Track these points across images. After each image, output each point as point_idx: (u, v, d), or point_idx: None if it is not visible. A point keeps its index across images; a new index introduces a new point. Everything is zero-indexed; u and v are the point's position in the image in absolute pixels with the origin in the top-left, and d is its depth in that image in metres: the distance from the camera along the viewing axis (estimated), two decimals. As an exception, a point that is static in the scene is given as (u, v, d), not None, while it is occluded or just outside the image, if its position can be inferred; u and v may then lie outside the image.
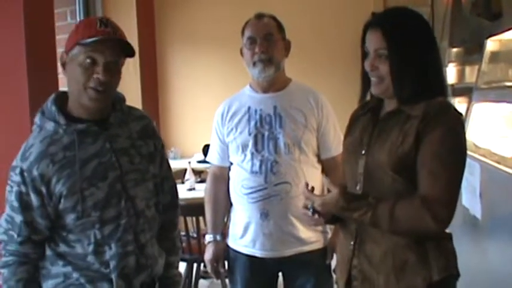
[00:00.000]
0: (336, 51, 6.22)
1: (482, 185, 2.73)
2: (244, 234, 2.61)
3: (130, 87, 3.68)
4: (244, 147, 2.57)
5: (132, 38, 3.57)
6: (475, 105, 3.22)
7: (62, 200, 1.81)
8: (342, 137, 2.12)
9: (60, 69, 1.96)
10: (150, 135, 2.05)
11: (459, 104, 3.58)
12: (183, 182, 5.21)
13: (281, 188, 2.51)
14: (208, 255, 2.71)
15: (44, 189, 1.81)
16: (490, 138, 2.99)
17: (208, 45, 6.54)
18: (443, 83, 1.88)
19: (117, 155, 1.89)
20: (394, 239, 1.80)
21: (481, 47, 3.31)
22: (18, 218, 1.83)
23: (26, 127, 1.96)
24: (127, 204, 1.89)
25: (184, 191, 4.91)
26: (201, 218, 3.74)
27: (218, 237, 2.71)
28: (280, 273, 2.69)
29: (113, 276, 1.88)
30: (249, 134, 2.56)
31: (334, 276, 2.63)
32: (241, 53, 2.63)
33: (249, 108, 2.59)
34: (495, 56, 3.22)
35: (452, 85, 3.90)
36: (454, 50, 4.07)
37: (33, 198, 1.81)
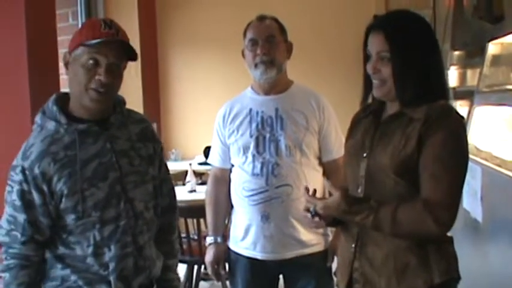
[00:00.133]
0: (337, 54, 6.22)
1: (484, 188, 2.73)
2: (245, 237, 2.60)
3: (131, 89, 3.68)
4: (245, 149, 2.56)
5: (134, 39, 3.55)
6: (476, 108, 3.22)
7: (63, 200, 1.82)
8: (344, 140, 2.12)
9: (61, 70, 1.96)
10: (149, 138, 2.05)
11: (461, 107, 3.58)
12: (184, 184, 5.21)
13: (282, 190, 2.51)
14: (209, 257, 2.71)
15: (45, 188, 1.81)
16: (492, 141, 2.99)
17: (209, 47, 6.54)
18: (445, 86, 1.88)
19: (117, 156, 1.90)
20: (396, 242, 1.80)
21: (482, 50, 3.31)
22: (22, 217, 1.83)
23: (27, 128, 1.96)
24: (126, 206, 1.90)
25: (185, 193, 4.91)
26: (201, 220, 3.74)
27: (219, 239, 2.71)
28: (281, 276, 2.69)
29: (112, 278, 1.88)
30: (251, 136, 2.55)
31: (335, 279, 2.62)
32: (243, 55, 2.63)
33: (250, 110, 2.59)
34: (497, 59, 3.22)
35: (453, 88, 3.90)
36: (456, 53, 4.07)
37: (36, 197, 1.81)
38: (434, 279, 1.77)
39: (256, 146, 2.54)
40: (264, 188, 2.52)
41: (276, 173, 2.51)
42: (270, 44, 2.53)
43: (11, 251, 1.85)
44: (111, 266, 1.88)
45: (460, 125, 1.79)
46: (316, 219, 1.89)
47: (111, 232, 1.87)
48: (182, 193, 4.92)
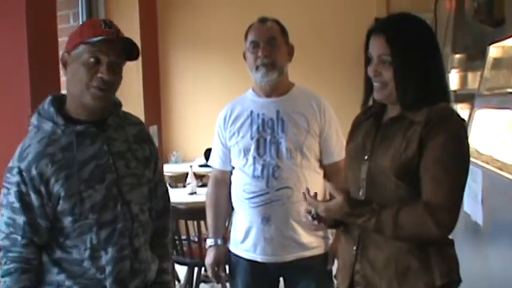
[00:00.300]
0: (338, 56, 6.23)
1: (484, 191, 2.73)
2: (245, 239, 2.60)
3: (132, 90, 3.68)
4: (246, 151, 2.56)
5: (135, 41, 3.57)
6: (477, 111, 3.22)
7: (61, 202, 1.80)
8: (345, 142, 2.12)
9: (63, 71, 1.95)
10: (145, 140, 2.05)
11: (461, 110, 3.58)
12: (184, 186, 5.22)
13: (283, 193, 2.51)
14: (209, 259, 2.70)
15: (43, 189, 1.79)
16: (492, 144, 2.99)
17: (210, 48, 6.55)
18: (446, 89, 1.88)
19: (114, 158, 1.89)
20: (397, 245, 1.80)
21: (483, 53, 3.31)
22: (21, 219, 1.80)
23: (28, 130, 1.95)
24: (123, 209, 1.89)
25: (185, 195, 4.92)
26: (202, 222, 3.73)
27: (219, 241, 2.70)
28: (281, 278, 2.69)
29: (108, 281, 1.86)
30: (251, 138, 2.55)
31: (335, 282, 2.62)
32: (244, 57, 2.63)
33: (251, 112, 2.59)
34: (497, 63, 3.22)
35: (454, 91, 3.90)
36: (457, 56, 4.07)
37: (34, 198, 1.80)
38: (436, 281, 1.77)
39: (257, 148, 2.54)
40: (265, 190, 2.52)
41: (277, 176, 2.51)
42: (271, 46, 2.53)
43: (10, 254, 1.82)
44: (108, 269, 1.86)
45: (461, 128, 1.79)
46: (315, 222, 1.89)
47: (108, 235, 1.86)
48: (182, 195, 4.93)
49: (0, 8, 2.37)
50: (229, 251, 2.71)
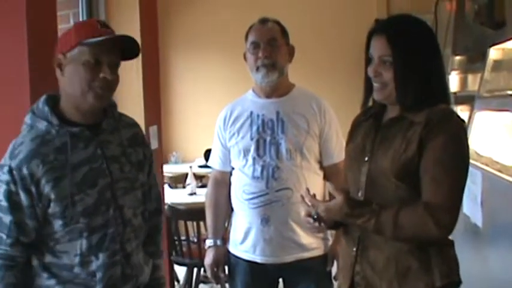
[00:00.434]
0: (338, 57, 6.24)
1: (484, 193, 2.73)
2: (245, 240, 2.60)
3: (132, 90, 3.67)
4: (246, 152, 2.56)
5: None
6: (477, 113, 3.22)
7: (52, 204, 1.77)
8: (344, 144, 2.12)
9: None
10: (139, 143, 2.04)
11: (461, 112, 3.58)
12: (184, 187, 5.22)
13: (282, 194, 2.51)
14: (208, 259, 2.70)
15: (33, 189, 1.76)
16: (492, 146, 2.99)
17: (211, 49, 6.56)
18: (446, 91, 1.89)
19: (108, 162, 1.87)
20: (397, 245, 1.80)
21: (483, 55, 3.31)
22: (8, 219, 1.77)
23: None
24: (115, 213, 1.87)
25: (185, 196, 4.93)
26: (201, 223, 3.74)
27: (218, 242, 2.70)
28: (280, 279, 2.69)
29: (98, 287, 1.85)
30: (251, 139, 2.55)
31: (334, 283, 2.62)
32: (245, 58, 2.63)
33: (251, 113, 2.59)
34: (498, 65, 3.22)
35: (454, 93, 3.90)
36: (457, 58, 4.07)
37: (23, 198, 1.76)
38: (436, 282, 1.78)
39: (257, 149, 2.54)
40: (264, 191, 2.52)
41: (277, 176, 2.51)
42: (271, 47, 2.53)
43: None
44: (99, 275, 1.84)
45: (460, 129, 1.79)
46: (316, 224, 1.89)
47: (99, 240, 1.84)
48: (182, 196, 4.94)
49: (0, 8, 2.37)
50: (228, 251, 2.71)
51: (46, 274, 1.85)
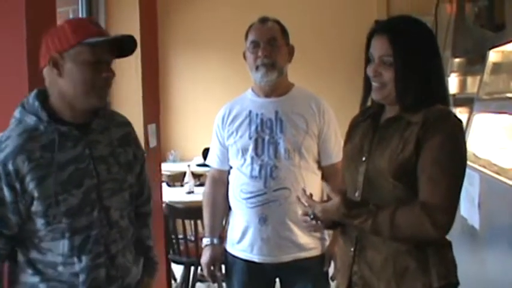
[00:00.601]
0: (338, 57, 6.24)
1: (481, 196, 2.73)
2: (242, 239, 2.60)
3: (131, 88, 3.67)
4: (244, 151, 2.56)
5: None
6: (476, 115, 3.23)
7: (35, 202, 1.76)
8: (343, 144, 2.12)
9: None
10: (130, 143, 2.03)
11: (460, 114, 3.58)
12: (182, 185, 5.22)
13: (280, 193, 2.51)
14: (205, 258, 2.70)
15: (18, 185, 1.74)
16: (490, 149, 3.00)
17: (210, 48, 6.56)
18: (445, 92, 1.89)
19: (95, 162, 1.86)
20: (395, 246, 1.80)
21: (483, 57, 3.32)
22: None
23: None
24: (100, 215, 1.85)
25: (183, 194, 4.92)
26: (199, 222, 3.73)
27: (215, 241, 2.70)
28: (277, 279, 2.68)
29: None
30: (250, 138, 2.55)
31: (331, 283, 2.62)
32: (244, 57, 2.62)
33: (250, 112, 2.59)
34: (497, 67, 3.23)
35: (453, 95, 3.91)
36: (457, 60, 4.08)
37: (7, 193, 1.75)
38: (433, 283, 1.78)
39: (255, 148, 2.54)
40: (262, 190, 2.52)
41: (275, 176, 2.51)
42: (271, 46, 2.53)
43: None
44: (82, 277, 1.83)
45: (458, 128, 1.80)
46: (314, 222, 1.90)
47: (82, 242, 1.83)
48: (180, 194, 4.93)
49: (-1, 5, 2.37)
50: (225, 251, 2.70)
51: (31, 270, 1.84)
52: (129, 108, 3.65)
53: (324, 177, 2.61)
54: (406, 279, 1.80)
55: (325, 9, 6.37)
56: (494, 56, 3.22)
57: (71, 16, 3.38)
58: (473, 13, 3.81)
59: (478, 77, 3.40)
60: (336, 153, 2.57)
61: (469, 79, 3.99)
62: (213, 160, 2.75)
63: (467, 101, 3.55)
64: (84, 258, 1.83)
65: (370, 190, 1.85)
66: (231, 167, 2.66)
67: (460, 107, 3.74)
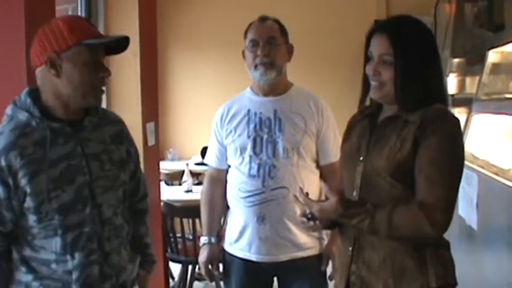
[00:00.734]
0: (336, 57, 6.25)
1: (480, 196, 2.73)
2: (240, 238, 2.60)
3: (130, 87, 3.67)
4: (242, 149, 2.56)
5: (134, 37, 3.56)
6: (474, 116, 3.23)
7: (27, 199, 1.76)
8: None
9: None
10: (122, 140, 2.03)
11: (459, 114, 3.58)
12: (180, 184, 5.22)
13: (278, 192, 2.50)
14: (202, 257, 2.70)
15: (10, 181, 1.74)
16: (489, 149, 2.99)
17: (209, 47, 6.56)
18: (444, 91, 1.89)
19: (88, 159, 1.86)
20: (393, 245, 1.80)
21: (482, 58, 3.32)
22: None
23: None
24: (92, 212, 1.85)
25: (181, 193, 4.92)
26: (197, 220, 3.73)
27: (213, 240, 2.70)
28: (275, 278, 2.68)
29: (75, 287, 1.83)
30: (248, 137, 2.55)
31: (329, 283, 2.62)
32: (243, 56, 2.62)
33: (248, 110, 2.59)
34: (496, 68, 3.23)
35: (452, 95, 3.91)
36: (456, 60, 4.08)
37: (0, 190, 1.75)
38: (431, 283, 1.78)
39: (254, 147, 2.54)
40: (260, 189, 2.52)
41: (273, 175, 2.51)
42: (270, 45, 2.53)
43: None
44: (75, 274, 1.83)
45: (455, 128, 1.80)
46: (311, 223, 1.90)
47: (75, 239, 1.82)
48: (178, 193, 4.93)
49: (-2, 2, 2.37)
50: (223, 250, 2.70)
51: (24, 268, 1.84)
52: (127, 107, 3.66)
53: (322, 177, 2.61)
54: (404, 279, 1.80)
55: (325, 9, 6.37)
56: (493, 56, 3.22)
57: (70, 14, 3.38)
58: (472, 13, 3.81)
59: (477, 78, 3.40)
60: (334, 152, 2.57)
61: (468, 79, 3.99)
62: (211, 159, 2.74)
63: (466, 102, 3.55)
64: (77, 256, 1.83)
65: (367, 189, 1.85)
66: (229, 166, 2.66)
67: (458, 107, 3.74)
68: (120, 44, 1.90)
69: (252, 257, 2.58)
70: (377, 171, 1.82)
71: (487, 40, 3.38)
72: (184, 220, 4.16)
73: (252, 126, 2.56)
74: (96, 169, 1.88)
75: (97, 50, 1.81)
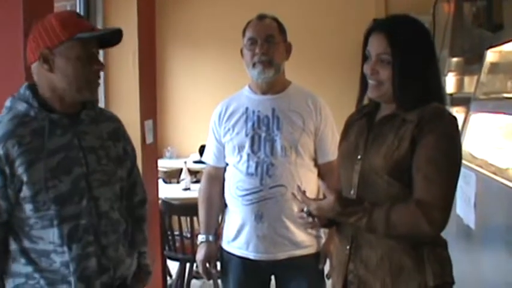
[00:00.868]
0: (335, 56, 6.25)
1: (477, 195, 2.74)
2: (238, 236, 2.60)
3: (128, 84, 3.67)
4: (240, 148, 2.56)
5: (132, 34, 3.56)
6: (472, 115, 3.23)
7: (23, 187, 1.77)
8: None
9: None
10: (119, 138, 2.04)
11: (457, 113, 3.58)
12: (178, 182, 5.22)
13: (276, 190, 2.50)
14: (200, 255, 2.69)
15: (7, 170, 1.75)
16: (487, 148, 3.00)
17: (208, 45, 6.55)
18: (441, 91, 1.90)
19: (85, 152, 1.87)
20: (390, 244, 1.80)
21: (481, 57, 3.32)
22: None
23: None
24: (89, 204, 1.86)
25: (179, 191, 4.92)
26: (195, 218, 3.74)
27: (210, 238, 2.70)
28: (272, 277, 2.69)
29: (72, 278, 1.83)
30: (246, 135, 2.55)
31: (327, 281, 2.62)
32: (242, 54, 2.62)
33: (246, 109, 2.59)
34: (494, 67, 3.23)
35: (451, 94, 3.91)
36: (454, 59, 4.08)
37: None
38: (429, 282, 1.78)
39: (252, 145, 2.54)
40: (258, 188, 2.51)
41: (271, 173, 2.51)
42: (268, 43, 2.53)
43: None
44: (72, 266, 1.83)
45: (452, 126, 1.80)
46: (310, 219, 1.90)
47: (71, 230, 1.83)
48: (176, 191, 4.93)
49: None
50: (221, 248, 2.70)
51: (24, 259, 1.84)
52: (126, 104, 3.66)
53: (320, 175, 2.61)
54: (401, 278, 1.80)
55: (323, 8, 6.37)
56: (491, 56, 3.22)
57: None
58: (471, 13, 3.82)
59: (475, 77, 3.40)
60: (333, 151, 2.57)
61: (467, 79, 3.99)
62: (209, 157, 2.74)
63: (464, 101, 3.55)
64: (74, 247, 1.83)
65: (365, 188, 1.86)
66: (227, 164, 2.66)
67: (457, 107, 3.74)
68: (114, 37, 1.91)
69: (250, 255, 2.58)
70: (375, 170, 1.82)
71: (486, 39, 3.38)
72: (182, 218, 4.16)
73: (250, 124, 2.55)
74: (93, 162, 1.89)
75: (90, 44, 1.83)
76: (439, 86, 1.89)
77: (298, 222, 2.04)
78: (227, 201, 2.65)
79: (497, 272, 2.56)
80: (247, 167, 2.53)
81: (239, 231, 2.59)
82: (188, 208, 3.98)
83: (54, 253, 1.83)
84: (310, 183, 2.54)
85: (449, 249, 1.87)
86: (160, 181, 4.73)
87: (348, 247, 1.91)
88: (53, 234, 1.82)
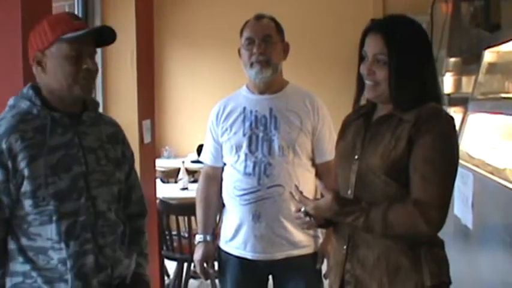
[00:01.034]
0: (332, 56, 6.25)
1: (475, 195, 2.74)
2: (236, 236, 2.60)
3: (126, 84, 3.67)
4: (238, 147, 2.56)
5: (131, 35, 3.56)
6: (470, 115, 3.23)
7: (24, 182, 1.78)
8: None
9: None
10: (119, 141, 2.06)
11: (455, 113, 3.59)
12: (176, 182, 5.21)
13: (274, 190, 2.50)
14: (197, 255, 2.69)
15: (10, 164, 1.77)
16: (484, 148, 3.00)
17: (206, 45, 6.55)
18: (438, 91, 1.90)
19: (85, 151, 1.90)
20: (387, 244, 1.80)
21: (478, 57, 3.32)
22: None
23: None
24: (87, 203, 1.87)
25: (177, 191, 4.92)
26: (193, 218, 3.73)
27: (208, 238, 2.70)
28: (270, 276, 2.69)
29: (70, 276, 1.84)
30: (244, 135, 2.55)
31: (324, 281, 2.63)
32: (239, 54, 2.62)
33: (244, 108, 2.59)
34: (492, 67, 3.23)
35: (448, 94, 3.92)
36: (452, 59, 4.08)
37: None
38: (426, 282, 1.78)
39: (249, 145, 2.54)
40: (256, 187, 2.51)
41: (268, 173, 2.51)
42: (266, 43, 2.53)
43: None
44: (69, 263, 1.84)
45: (449, 126, 1.81)
46: (308, 219, 1.90)
47: (69, 227, 1.84)
48: (174, 191, 4.93)
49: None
50: (219, 247, 2.70)
51: (21, 258, 1.85)
52: (124, 104, 3.66)
53: (317, 175, 2.61)
54: (398, 278, 1.80)
55: (321, 8, 6.37)
56: (489, 56, 3.23)
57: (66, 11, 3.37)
58: (469, 13, 3.82)
59: (473, 77, 3.40)
60: (330, 151, 2.57)
61: (464, 79, 3.99)
62: (206, 157, 2.74)
63: (462, 101, 3.56)
64: (71, 244, 1.84)
65: (362, 188, 1.86)
66: (224, 164, 2.66)
67: (454, 107, 3.74)
68: (109, 35, 1.93)
69: (248, 255, 2.58)
70: (372, 170, 1.82)
71: (484, 40, 3.38)
72: (180, 218, 4.17)
73: (247, 124, 2.55)
74: (92, 162, 1.91)
75: (79, 43, 1.84)
76: (436, 86, 1.89)
77: (296, 222, 2.05)
78: (225, 201, 2.65)
79: (495, 271, 2.56)
80: (245, 167, 2.53)
81: (237, 231, 2.59)
82: (186, 208, 3.98)
83: (52, 250, 1.83)
84: (308, 183, 2.54)
85: (446, 249, 1.88)
86: (158, 181, 4.73)
87: (345, 247, 1.91)
88: (51, 231, 1.82)
